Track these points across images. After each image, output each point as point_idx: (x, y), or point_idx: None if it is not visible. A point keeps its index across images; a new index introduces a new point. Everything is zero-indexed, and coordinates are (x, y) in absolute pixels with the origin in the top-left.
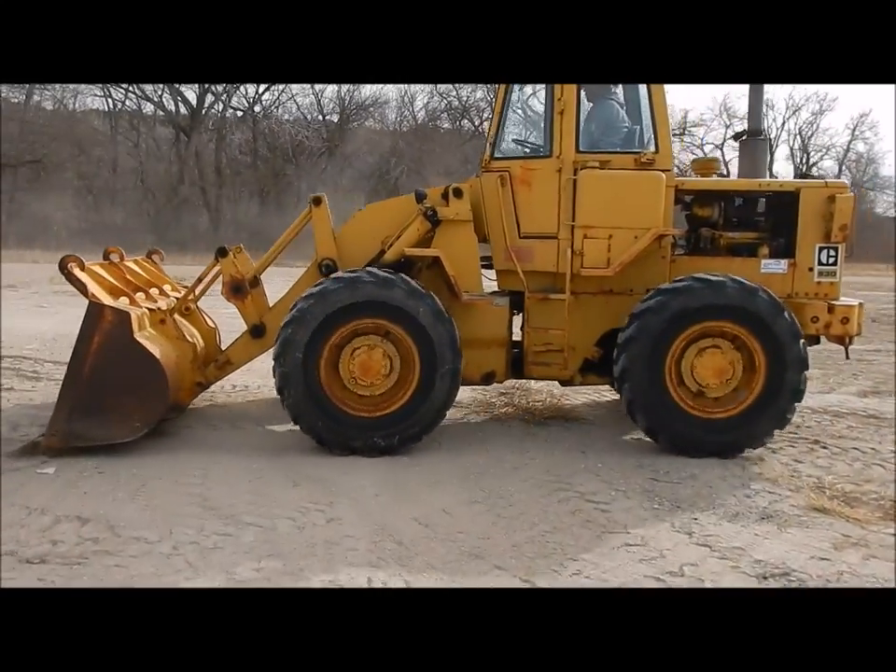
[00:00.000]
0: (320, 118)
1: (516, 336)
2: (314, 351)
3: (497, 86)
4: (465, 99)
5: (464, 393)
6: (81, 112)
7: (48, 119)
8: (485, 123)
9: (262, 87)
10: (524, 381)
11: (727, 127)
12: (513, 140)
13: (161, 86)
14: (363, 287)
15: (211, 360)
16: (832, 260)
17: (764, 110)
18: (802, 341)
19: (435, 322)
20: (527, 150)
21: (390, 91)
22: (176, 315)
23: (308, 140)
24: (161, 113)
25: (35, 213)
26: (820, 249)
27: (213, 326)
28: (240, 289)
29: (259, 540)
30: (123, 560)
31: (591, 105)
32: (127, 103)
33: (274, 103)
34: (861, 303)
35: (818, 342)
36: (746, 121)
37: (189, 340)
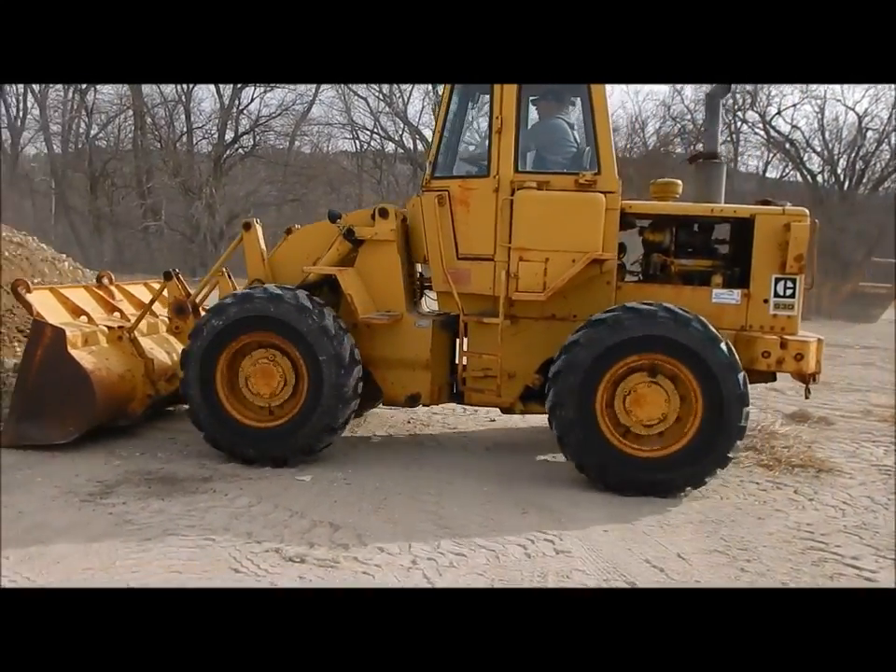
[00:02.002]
0: None
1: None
2: (210, 363)
3: (437, 105)
4: (699, 122)
5: None
6: (333, 154)
7: (306, 162)
8: (721, 147)
9: None
10: (767, 423)
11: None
12: (460, 158)
13: (402, 126)
14: (254, 302)
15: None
16: (789, 292)
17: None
18: (740, 374)
19: (320, 337)
20: (469, 170)
21: (621, 118)
22: (136, 333)
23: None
24: (401, 151)
25: None
26: (777, 280)
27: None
28: (182, 310)
29: (490, 564)
30: (370, 568)
31: (538, 123)
32: (372, 143)
33: None
34: (820, 339)
35: (773, 378)
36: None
37: (146, 356)
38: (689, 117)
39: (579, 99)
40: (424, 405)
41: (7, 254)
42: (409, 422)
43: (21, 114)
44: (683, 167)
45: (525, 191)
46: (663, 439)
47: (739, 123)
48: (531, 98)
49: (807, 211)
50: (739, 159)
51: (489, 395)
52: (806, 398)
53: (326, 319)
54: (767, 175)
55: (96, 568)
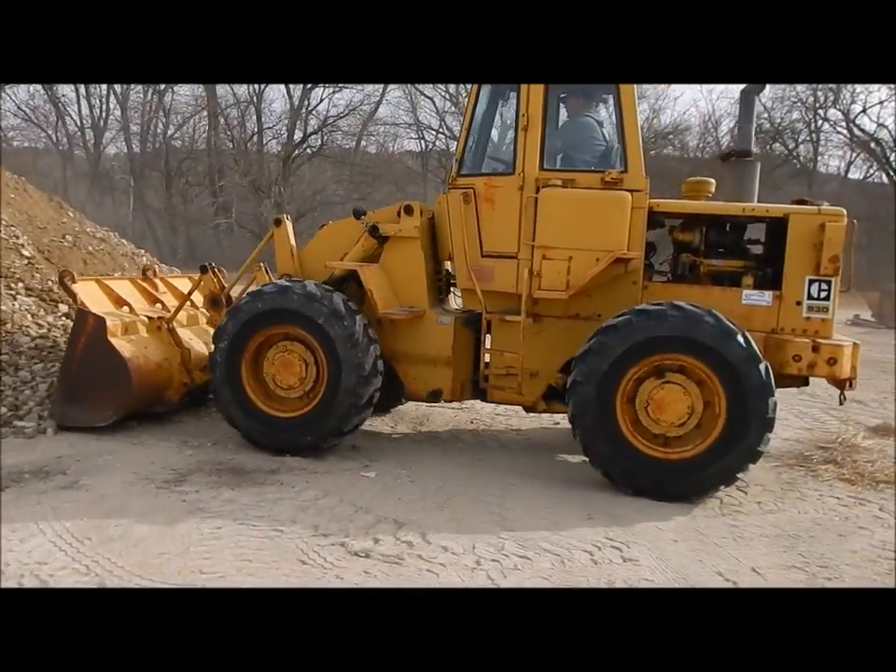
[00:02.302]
0: None
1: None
2: (234, 361)
3: (465, 101)
4: (777, 121)
5: (775, 443)
6: (399, 153)
7: (372, 161)
8: (800, 146)
9: None
10: (848, 436)
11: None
12: (488, 156)
13: None
14: (266, 298)
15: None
16: (823, 295)
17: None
18: (761, 365)
19: (331, 321)
20: (495, 167)
21: (693, 117)
22: (175, 324)
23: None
24: None
25: None
26: (811, 282)
27: None
28: (217, 302)
29: (556, 568)
30: (434, 567)
31: (567, 121)
32: (437, 143)
33: None
34: (856, 344)
35: (806, 383)
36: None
37: (183, 346)
38: (765, 115)
39: (611, 96)
40: (445, 401)
41: (90, 248)
42: (472, 422)
43: (103, 115)
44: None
45: (549, 189)
46: (689, 439)
47: (820, 122)
48: (560, 96)
49: (844, 211)
50: (819, 159)
51: (511, 393)
52: (840, 403)
53: (336, 304)
54: (850, 175)
55: (171, 553)
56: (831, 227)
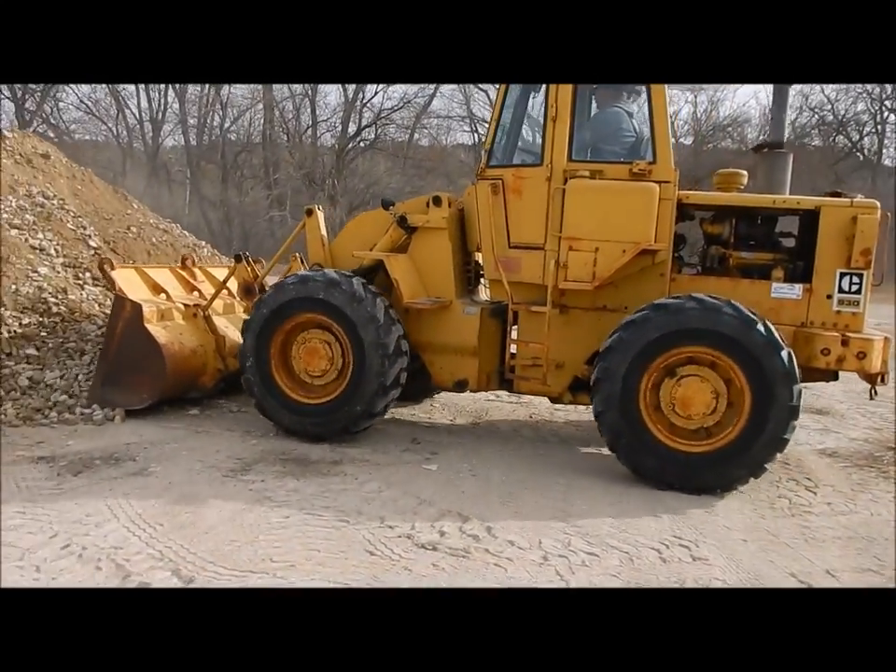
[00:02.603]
0: (672, 141)
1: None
2: (267, 337)
3: (496, 92)
4: (841, 113)
5: (843, 443)
6: (451, 146)
7: (425, 155)
8: (865, 139)
9: None
10: None
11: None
12: (518, 147)
13: None
14: (288, 288)
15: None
16: (854, 288)
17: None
18: (783, 352)
19: (350, 304)
20: (524, 158)
21: (753, 108)
22: (210, 311)
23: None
24: None
25: None
26: (842, 275)
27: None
28: (250, 291)
29: (624, 566)
30: (501, 561)
31: (597, 112)
32: None
33: None
34: (887, 338)
35: (835, 377)
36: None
37: (218, 333)
38: (828, 107)
39: (642, 87)
40: (472, 391)
41: (154, 240)
42: (531, 416)
43: (162, 108)
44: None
45: (576, 180)
46: (715, 431)
47: (886, 113)
48: (592, 87)
49: (877, 203)
50: (885, 152)
51: (536, 384)
52: (871, 398)
53: (354, 287)
54: None
55: (241, 542)
56: (863, 219)
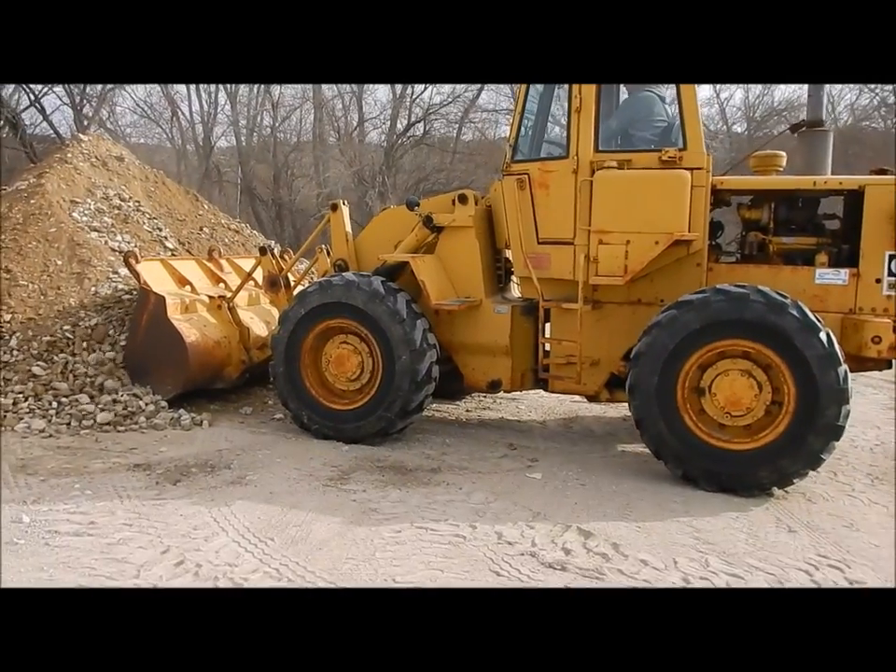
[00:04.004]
0: (724, 128)
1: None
2: (294, 349)
3: (518, 85)
4: None
5: None
6: (498, 140)
7: (474, 149)
8: None
9: None
10: None
11: None
12: (544, 140)
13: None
14: (333, 289)
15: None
16: None
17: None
18: (822, 332)
19: (373, 303)
20: (550, 152)
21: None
22: (235, 303)
23: (714, 152)
24: None
25: None
26: (891, 257)
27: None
28: (275, 284)
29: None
30: (638, 584)
31: (627, 97)
32: None
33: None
34: None
35: (889, 366)
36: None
37: (242, 325)
38: (889, 87)
39: None
40: (505, 391)
41: (226, 240)
42: (624, 419)
43: (213, 110)
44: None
45: (604, 171)
46: (750, 431)
47: None
48: None
49: None
50: None
51: (571, 382)
52: None
53: (399, 303)
54: None
55: (358, 559)
56: None
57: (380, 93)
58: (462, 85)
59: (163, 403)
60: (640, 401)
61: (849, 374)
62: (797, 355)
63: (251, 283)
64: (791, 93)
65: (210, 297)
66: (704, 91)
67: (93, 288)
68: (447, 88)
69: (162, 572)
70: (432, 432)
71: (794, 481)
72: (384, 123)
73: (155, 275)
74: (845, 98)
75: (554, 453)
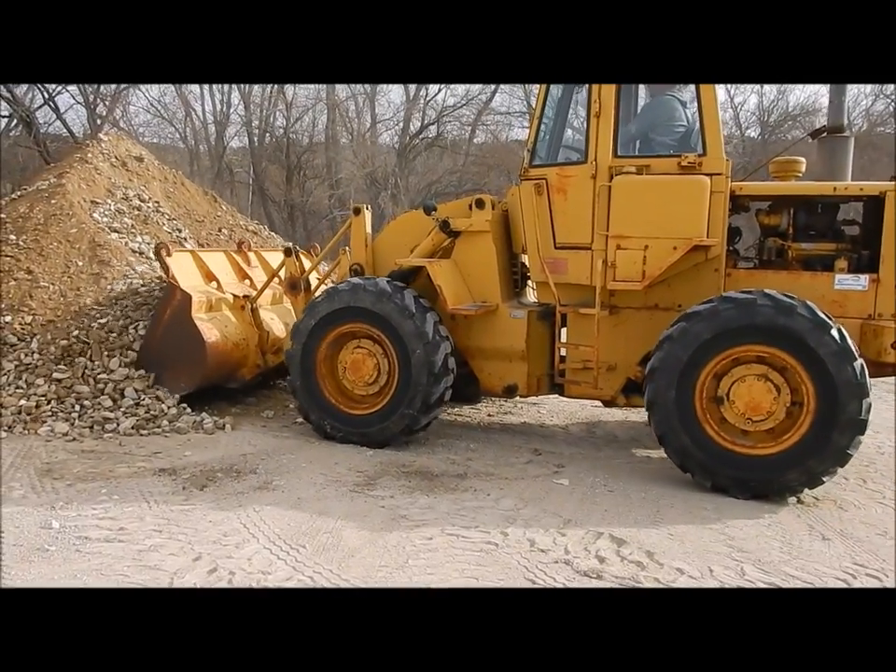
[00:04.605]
0: (738, 133)
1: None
2: (309, 360)
3: (537, 90)
4: None
5: None
6: (511, 143)
7: (487, 151)
8: None
9: None
10: None
11: None
12: (562, 145)
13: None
14: (340, 295)
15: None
16: None
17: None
18: (834, 329)
19: (381, 303)
20: (569, 157)
21: (823, 98)
22: (258, 304)
23: (728, 158)
24: None
25: None
26: None
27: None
28: (295, 286)
29: None
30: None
31: (648, 101)
32: None
33: None
34: None
35: None
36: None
37: (263, 328)
38: None
39: None
40: (521, 396)
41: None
42: (646, 425)
43: (226, 110)
44: None
45: (623, 177)
46: (774, 434)
47: None
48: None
49: None
50: None
51: (587, 387)
52: None
53: (405, 300)
54: None
55: (391, 567)
56: None
57: (393, 95)
58: (475, 87)
59: (186, 408)
60: (660, 416)
61: (866, 369)
62: (811, 354)
63: (276, 280)
64: (805, 98)
65: (235, 296)
66: (718, 94)
67: (109, 287)
68: (460, 90)
69: (196, 580)
70: (456, 437)
71: (824, 480)
72: (397, 125)
73: (184, 269)
74: (860, 104)
75: (580, 458)
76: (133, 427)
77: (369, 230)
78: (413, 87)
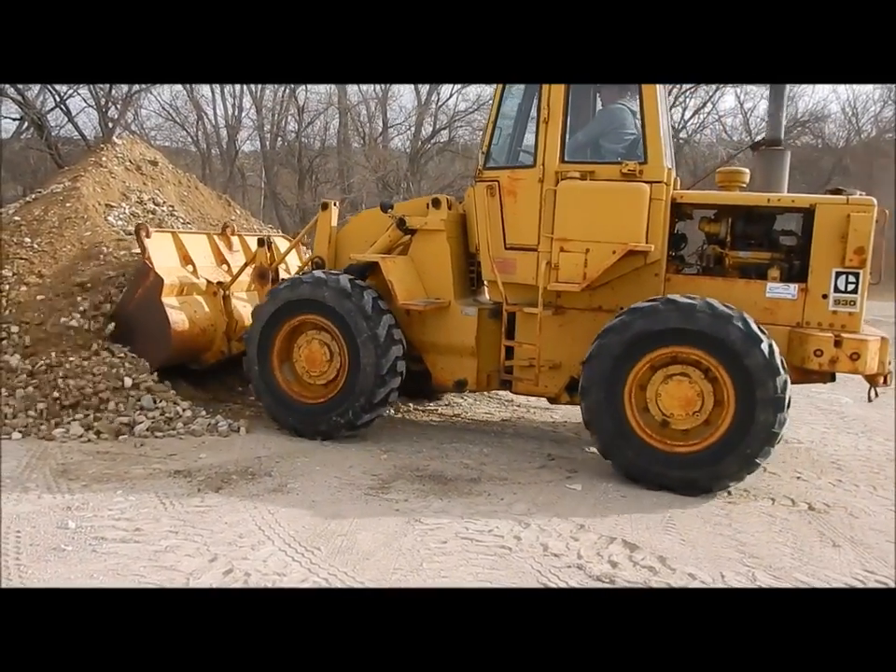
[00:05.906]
0: (747, 138)
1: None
2: (266, 345)
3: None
4: None
5: None
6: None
7: None
8: None
9: (686, 113)
10: None
11: None
12: (518, 149)
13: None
14: (302, 286)
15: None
16: (850, 287)
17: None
18: (763, 344)
19: (340, 300)
20: (522, 160)
21: (833, 103)
22: (231, 290)
23: (737, 162)
24: None
25: None
26: (838, 274)
27: None
28: (264, 276)
29: None
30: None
31: (600, 110)
32: None
33: (698, 128)
34: (884, 338)
35: (832, 378)
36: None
37: (232, 316)
38: None
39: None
40: (471, 391)
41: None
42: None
43: (238, 114)
44: None
45: (567, 182)
46: (703, 429)
47: None
48: (595, 84)
49: (874, 200)
50: None
51: (531, 384)
52: (869, 401)
53: (342, 284)
54: None
55: (406, 570)
56: (856, 217)
57: (405, 99)
58: (487, 92)
59: (201, 410)
60: (590, 403)
61: (789, 384)
62: (739, 364)
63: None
64: (814, 104)
65: (208, 282)
66: (728, 101)
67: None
68: (472, 95)
69: (212, 581)
70: (469, 441)
71: (729, 484)
72: (408, 129)
73: (161, 250)
74: (869, 110)
75: (593, 463)
76: (148, 430)
77: (335, 223)
78: (424, 92)
